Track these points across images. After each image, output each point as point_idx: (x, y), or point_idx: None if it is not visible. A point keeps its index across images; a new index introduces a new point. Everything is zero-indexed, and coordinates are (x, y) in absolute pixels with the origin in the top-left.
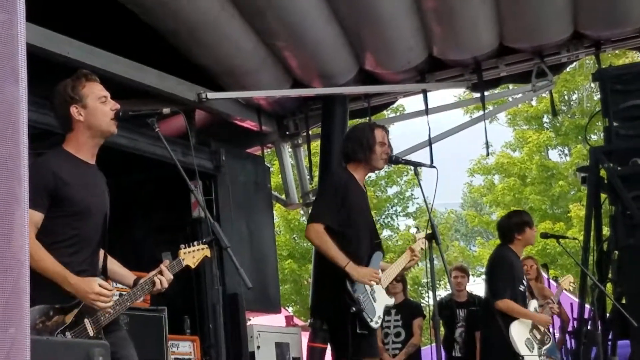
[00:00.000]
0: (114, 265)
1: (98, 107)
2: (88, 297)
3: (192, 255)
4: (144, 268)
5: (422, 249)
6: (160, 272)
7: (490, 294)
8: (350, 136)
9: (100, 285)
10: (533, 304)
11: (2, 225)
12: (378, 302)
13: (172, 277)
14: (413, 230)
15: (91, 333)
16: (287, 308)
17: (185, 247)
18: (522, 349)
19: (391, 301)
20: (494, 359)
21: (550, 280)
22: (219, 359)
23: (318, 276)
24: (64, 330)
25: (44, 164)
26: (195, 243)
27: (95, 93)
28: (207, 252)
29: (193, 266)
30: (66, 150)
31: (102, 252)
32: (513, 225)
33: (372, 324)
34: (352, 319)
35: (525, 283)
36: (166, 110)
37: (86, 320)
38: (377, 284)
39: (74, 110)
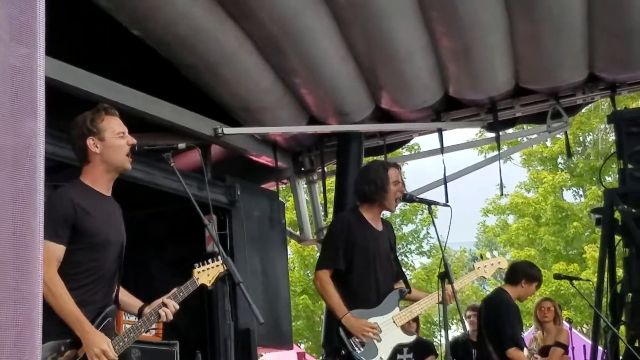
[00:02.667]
0: (123, 295)
1: (115, 141)
2: (92, 351)
3: (207, 273)
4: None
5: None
6: (165, 304)
7: (506, 339)
8: (363, 176)
9: (107, 348)
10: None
11: (17, 258)
12: (384, 342)
13: (177, 307)
14: (470, 257)
15: None
16: (299, 344)
17: (199, 266)
18: None
19: (409, 339)
20: None
21: (564, 322)
22: None
23: (328, 314)
24: None
25: (63, 195)
26: (209, 260)
27: (113, 127)
28: (222, 268)
29: (209, 284)
30: (83, 182)
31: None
32: (529, 273)
33: None
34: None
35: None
36: (182, 146)
37: None
38: (370, 337)
39: (90, 142)
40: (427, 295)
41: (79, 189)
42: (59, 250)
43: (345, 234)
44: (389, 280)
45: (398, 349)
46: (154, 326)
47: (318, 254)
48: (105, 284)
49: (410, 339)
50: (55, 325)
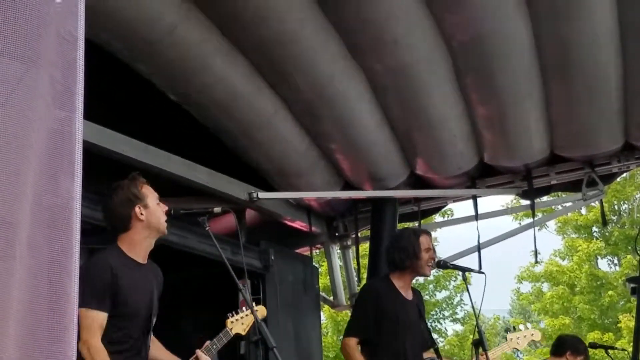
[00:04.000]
0: (161, 352)
1: (157, 207)
2: None
3: (241, 322)
4: None
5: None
6: (197, 358)
7: None
8: (395, 243)
9: None
10: None
11: (52, 320)
12: None
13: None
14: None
15: None
16: None
17: (232, 316)
18: None
19: None
20: None
21: None
22: None
23: None
24: None
25: (104, 262)
26: (244, 309)
27: (153, 194)
28: (263, 312)
29: (244, 332)
30: (120, 249)
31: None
32: (576, 347)
33: None
34: None
35: None
36: (217, 210)
37: None
38: None
39: (137, 210)
40: None
41: (117, 256)
42: (102, 317)
43: (374, 303)
44: (419, 350)
45: None
46: None
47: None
48: (135, 350)
49: None
50: None
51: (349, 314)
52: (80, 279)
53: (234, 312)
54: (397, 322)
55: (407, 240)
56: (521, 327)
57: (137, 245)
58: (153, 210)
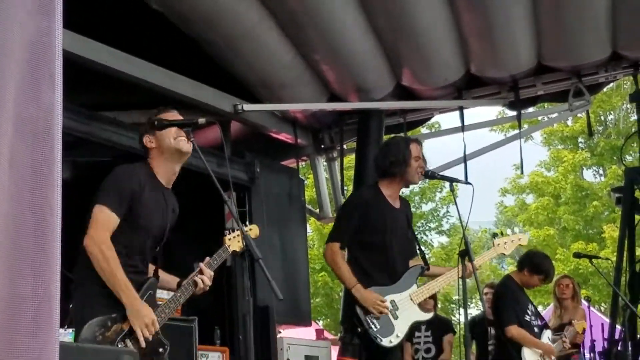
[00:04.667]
0: (160, 273)
1: (166, 131)
2: (141, 321)
3: (237, 239)
4: (175, 275)
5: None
6: (201, 272)
7: (499, 322)
8: (384, 151)
9: (155, 319)
10: (546, 334)
11: (36, 231)
12: (400, 319)
13: (212, 273)
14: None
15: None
16: (317, 321)
17: (229, 233)
18: None
19: (426, 316)
20: None
21: (583, 300)
22: None
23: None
24: (123, 337)
25: (133, 172)
26: (237, 226)
27: (170, 117)
28: (252, 233)
29: (239, 250)
30: (151, 167)
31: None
32: (533, 263)
33: (384, 343)
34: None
35: (532, 311)
36: (202, 121)
37: None
38: (381, 312)
39: (146, 139)
40: (446, 272)
41: (146, 172)
42: (115, 220)
43: (362, 211)
44: (406, 258)
45: (415, 327)
46: None
47: None
48: (133, 268)
49: (427, 316)
50: (100, 299)
51: None
52: (108, 179)
53: (230, 230)
54: (384, 231)
55: (396, 147)
56: (508, 231)
57: (160, 169)
58: (161, 136)
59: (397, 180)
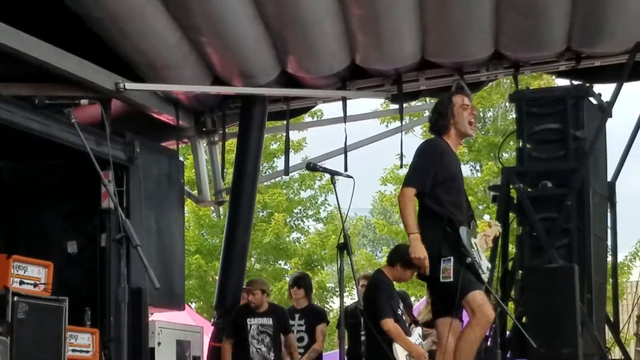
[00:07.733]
0: None
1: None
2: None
3: None
4: (47, 255)
5: (496, 235)
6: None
7: (374, 315)
8: (433, 108)
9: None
10: (417, 331)
11: None
12: (483, 260)
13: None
14: (486, 217)
15: None
16: (190, 304)
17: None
18: None
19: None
20: None
21: None
22: (118, 353)
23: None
24: None
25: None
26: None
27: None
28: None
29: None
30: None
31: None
32: (405, 259)
33: (484, 276)
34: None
35: (401, 309)
36: (84, 102)
37: None
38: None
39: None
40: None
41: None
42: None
43: (439, 158)
44: (467, 207)
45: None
46: (43, 281)
47: (214, 215)
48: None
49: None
50: None
51: (212, 209)
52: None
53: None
54: (454, 178)
55: (441, 102)
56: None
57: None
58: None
59: (452, 133)
